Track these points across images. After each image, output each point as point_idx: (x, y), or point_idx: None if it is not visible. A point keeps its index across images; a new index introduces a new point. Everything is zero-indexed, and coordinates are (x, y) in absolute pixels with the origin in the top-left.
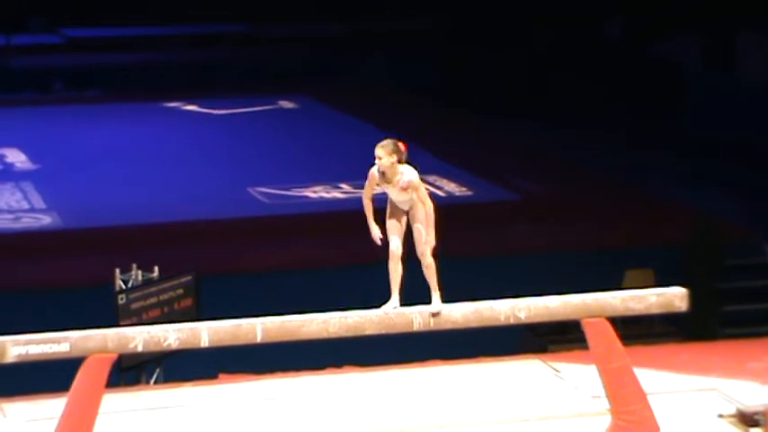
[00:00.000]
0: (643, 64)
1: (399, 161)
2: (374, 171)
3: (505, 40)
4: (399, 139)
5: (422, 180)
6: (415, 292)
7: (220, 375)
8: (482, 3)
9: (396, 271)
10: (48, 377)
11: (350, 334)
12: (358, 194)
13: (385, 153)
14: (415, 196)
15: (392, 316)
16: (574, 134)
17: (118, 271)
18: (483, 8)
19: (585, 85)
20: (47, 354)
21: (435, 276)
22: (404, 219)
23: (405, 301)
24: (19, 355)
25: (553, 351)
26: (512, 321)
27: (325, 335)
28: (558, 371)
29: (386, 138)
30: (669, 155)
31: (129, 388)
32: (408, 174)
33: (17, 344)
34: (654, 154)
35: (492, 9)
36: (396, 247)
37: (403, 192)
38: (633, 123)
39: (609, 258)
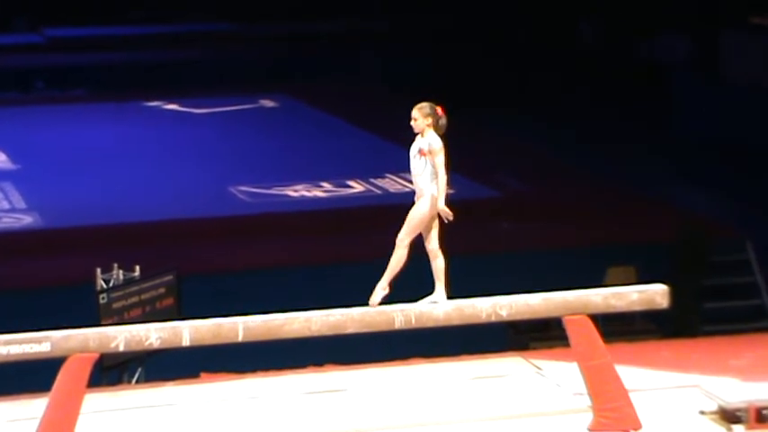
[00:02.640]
0: (629, 64)
1: (435, 126)
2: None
3: (490, 39)
4: (437, 104)
5: (400, 177)
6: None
7: (202, 375)
8: (467, 2)
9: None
10: (29, 377)
11: (332, 332)
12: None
13: (420, 115)
14: (421, 184)
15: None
16: (558, 133)
17: (99, 270)
18: (467, 8)
19: (571, 84)
20: (28, 353)
21: (439, 270)
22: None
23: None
24: (0, 355)
25: (535, 348)
26: (493, 319)
27: (307, 333)
28: (539, 368)
29: (423, 101)
30: (653, 153)
31: (111, 387)
32: (431, 139)
33: None
34: (638, 152)
35: (476, 8)
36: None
37: (419, 157)
38: (618, 122)
39: (591, 256)
